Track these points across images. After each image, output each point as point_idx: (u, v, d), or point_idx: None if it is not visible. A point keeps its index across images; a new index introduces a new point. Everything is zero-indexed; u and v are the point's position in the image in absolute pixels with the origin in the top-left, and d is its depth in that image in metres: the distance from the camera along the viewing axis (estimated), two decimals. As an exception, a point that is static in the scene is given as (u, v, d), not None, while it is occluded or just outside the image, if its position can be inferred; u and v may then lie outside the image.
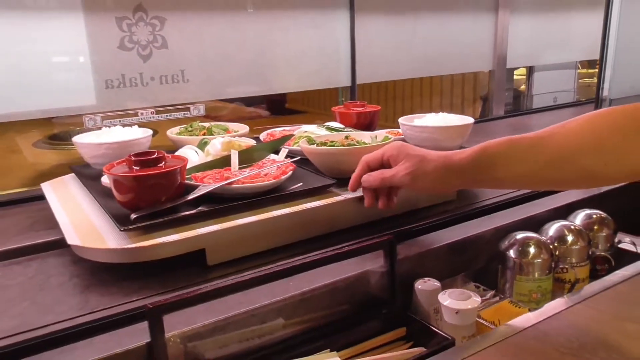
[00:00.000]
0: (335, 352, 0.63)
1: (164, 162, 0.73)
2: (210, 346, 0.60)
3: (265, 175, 0.81)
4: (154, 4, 1.15)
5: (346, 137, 0.94)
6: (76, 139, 0.96)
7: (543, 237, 0.80)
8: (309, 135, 1.02)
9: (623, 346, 0.56)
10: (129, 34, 1.14)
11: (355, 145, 0.90)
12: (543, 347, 0.56)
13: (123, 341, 0.57)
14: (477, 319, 0.69)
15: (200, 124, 1.11)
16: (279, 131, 1.15)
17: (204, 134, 1.05)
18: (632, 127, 0.57)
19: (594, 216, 0.88)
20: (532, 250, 0.77)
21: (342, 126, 1.14)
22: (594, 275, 0.84)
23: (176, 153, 0.87)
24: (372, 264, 0.72)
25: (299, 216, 0.77)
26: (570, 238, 0.81)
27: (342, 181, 0.85)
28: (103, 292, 0.67)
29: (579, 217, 0.88)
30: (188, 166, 0.81)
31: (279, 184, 0.80)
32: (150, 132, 1.00)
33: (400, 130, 1.09)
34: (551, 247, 0.78)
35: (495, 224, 0.87)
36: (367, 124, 1.19)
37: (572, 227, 0.83)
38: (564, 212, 0.93)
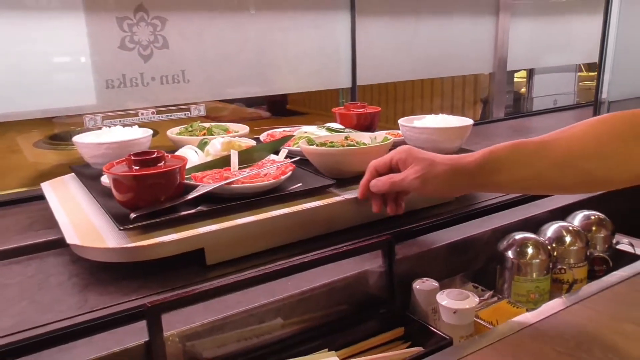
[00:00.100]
0: (333, 351, 0.63)
1: (163, 162, 0.73)
2: (208, 345, 0.60)
3: (265, 175, 0.81)
4: (155, 4, 1.16)
5: (346, 138, 0.94)
6: (76, 138, 0.96)
7: (541, 238, 0.80)
8: (308, 135, 1.03)
9: (620, 346, 0.56)
10: (130, 34, 1.14)
11: (354, 146, 0.90)
12: (540, 347, 0.56)
13: (122, 340, 0.57)
14: (475, 319, 0.69)
15: (200, 124, 1.11)
16: (279, 132, 1.15)
17: (204, 134, 1.05)
18: (631, 134, 0.58)
19: (592, 217, 0.88)
20: (530, 250, 0.77)
21: (342, 127, 1.15)
22: (592, 276, 0.84)
23: (176, 153, 0.88)
24: (370, 264, 0.72)
25: (298, 216, 0.77)
26: (568, 239, 0.81)
27: (341, 181, 0.85)
28: (102, 292, 0.67)
29: (577, 218, 0.89)
30: (188, 166, 0.81)
31: (278, 184, 0.80)
32: (150, 132, 1.01)
33: (400, 132, 1.10)
34: (549, 247, 0.79)
35: (494, 224, 0.87)
36: (367, 125, 1.19)
37: (570, 228, 0.83)
38: (562, 213, 0.93)
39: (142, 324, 0.56)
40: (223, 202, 0.75)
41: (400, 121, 1.08)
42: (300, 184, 0.82)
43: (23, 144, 1.72)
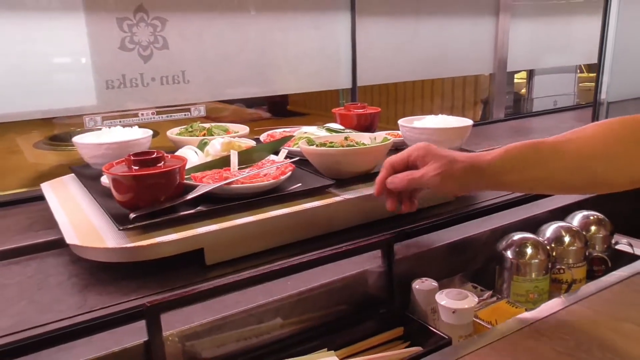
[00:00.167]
0: (333, 351, 0.63)
1: (163, 162, 0.74)
2: (208, 345, 0.61)
3: (265, 175, 0.81)
4: (155, 5, 1.16)
5: (345, 138, 0.94)
6: (76, 139, 0.96)
7: (540, 238, 0.80)
8: (308, 136, 1.03)
9: (619, 346, 0.56)
10: (130, 35, 1.14)
11: (354, 146, 0.90)
12: (539, 347, 0.56)
13: (121, 340, 0.57)
14: (474, 318, 0.69)
15: (200, 124, 1.12)
16: (279, 132, 1.15)
17: (204, 135, 1.05)
18: (632, 138, 0.59)
19: (591, 217, 0.88)
20: (529, 250, 0.77)
21: (342, 128, 1.15)
22: (591, 276, 0.84)
23: (176, 153, 0.88)
24: (370, 264, 0.72)
25: (297, 216, 0.77)
26: (567, 239, 0.81)
27: (341, 182, 0.85)
28: (101, 291, 0.67)
29: (576, 219, 0.89)
30: (188, 166, 0.81)
31: (277, 184, 0.80)
32: (150, 132, 1.01)
33: (399, 132, 1.10)
34: (548, 248, 0.79)
35: (493, 224, 0.87)
36: (367, 125, 1.20)
37: (569, 228, 0.83)
38: (561, 213, 0.93)
39: (142, 324, 0.56)
40: (222, 202, 0.75)
41: (400, 121, 1.08)
42: (300, 184, 0.82)
43: (23, 144, 1.73)
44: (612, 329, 0.59)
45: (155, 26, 1.17)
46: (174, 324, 0.59)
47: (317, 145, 0.91)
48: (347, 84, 1.54)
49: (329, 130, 1.10)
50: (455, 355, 0.56)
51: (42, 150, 1.70)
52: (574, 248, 0.81)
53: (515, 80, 2.46)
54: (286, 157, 0.91)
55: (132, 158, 0.72)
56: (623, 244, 0.87)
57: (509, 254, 0.78)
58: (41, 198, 0.92)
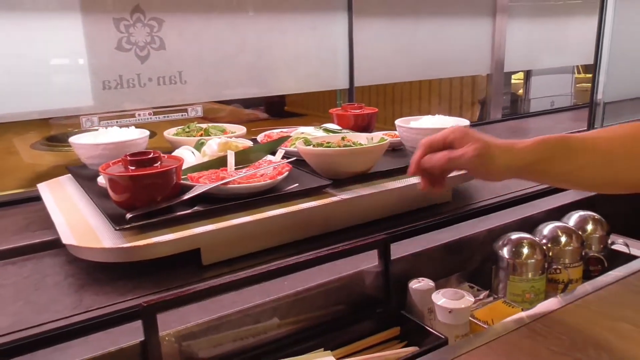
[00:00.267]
0: (329, 351, 0.64)
1: (159, 162, 0.74)
2: (204, 345, 0.61)
3: (262, 175, 0.81)
4: (152, 5, 1.16)
5: (342, 139, 0.94)
6: (73, 139, 0.96)
7: (537, 238, 0.80)
8: (305, 136, 1.03)
9: (614, 345, 0.56)
10: (127, 35, 1.14)
11: (351, 146, 0.90)
12: (535, 346, 0.56)
13: (118, 340, 0.57)
14: (471, 318, 0.69)
15: (197, 125, 1.11)
16: (276, 133, 1.15)
17: (201, 135, 1.05)
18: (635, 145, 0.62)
19: (588, 217, 0.88)
20: (525, 250, 0.77)
21: (339, 128, 1.15)
22: (587, 276, 0.84)
23: (173, 154, 0.88)
24: (366, 264, 0.72)
25: (294, 216, 0.77)
26: (563, 239, 0.82)
27: (338, 182, 0.85)
28: (98, 292, 0.67)
29: (573, 219, 0.89)
30: (184, 166, 0.81)
31: (274, 184, 0.80)
32: (147, 132, 1.01)
33: (397, 132, 1.10)
34: (545, 247, 0.79)
35: (490, 224, 0.88)
36: (364, 126, 1.20)
37: (566, 228, 0.83)
38: (558, 213, 0.93)
39: (138, 324, 0.56)
40: (219, 203, 0.75)
41: (397, 122, 1.08)
42: (297, 184, 0.82)
43: (20, 145, 1.72)
44: (608, 329, 0.59)
45: (152, 27, 1.17)
46: (170, 324, 0.59)
47: (314, 146, 0.91)
48: (345, 85, 1.54)
49: (326, 130, 1.10)
50: (451, 354, 0.56)
51: (39, 150, 1.70)
52: (570, 248, 0.82)
53: (513, 81, 2.47)
54: (283, 158, 0.91)
55: (128, 158, 0.72)
56: (619, 244, 0.88)
57: (505, 253, 0.78)
58: (38, 198, 0.91)
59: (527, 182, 1.07)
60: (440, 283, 0.79)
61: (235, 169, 0.84)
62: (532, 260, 0.77)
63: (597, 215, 0.89)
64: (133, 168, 0.71)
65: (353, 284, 0.71)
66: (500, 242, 0.80)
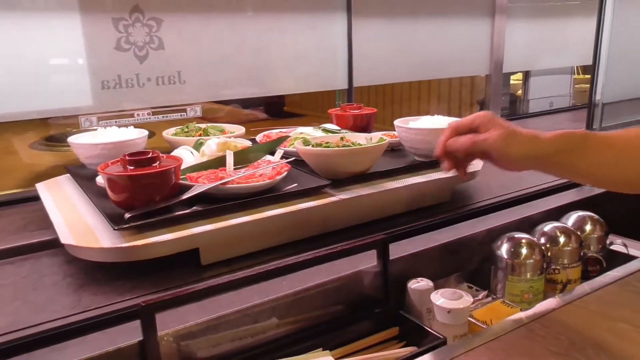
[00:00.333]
0: (328, 351, 0.63)
1: (158, 162, 0.73)
2: (203, 345, 0.60)
3: (260, 175, 0.81)
4: (151, 5, 1.16)
5: (341, 139, 0.94)
6: (72, 139, 0.96)
7: (535, 238, 0.80)
8: (304, 136, 1.03)
9: (612, 345, 0.56)
10: (126, 35, 1.14)
11: (350, 146, 0.90)
12: (533, 346, 0.56)
13: (116, 340, 0.57)
14: (469, 318, 0.69)
15: (196, 125, 1.11)
16: (275, 133, 1.15)
17: (200, 135, 1.05)
18: None
19: (586, 218, 0.88)
20: (524, 251, 0.77)
21: (338, 128, 1.15)
22: (586, 277, 0.84)
23: (172, 153, 0.88)
24: (365, 264, 0.72)
25: (293, 216, 0.77)
26: (562, 239, 0.82)
27: (336, 182, 0.85)
28: (96, 291, 0.67)
29: (572, 219, 0.89)
30: (183, 166, 0.81)
31: (273, 184, 0.80)
32: (146, 132, 1.01)
33: (395, 133, 1.10)
34: (543, 248, 0.79)
35: (488, 225, 0.88)
36: (363, 126, 1.20)
37: (565, 228, 0.83)
38: (557, 213, 0.94)
39: (136, 324, 0.56)
40: (218, 202, 0.75)
41: (396, 122, 1.08)
42: (296, 184, 0.82)
43: (19, 145, 1.72)
44: (606, 329, 0.59)
45: (151, 26, 1.17)
46: (169, 323, 0.59)
47: (313, 146, 0.91)
48: (344, 85, 1.54)
49: (325, 130, 1.10)
50: (450, 355, 0.56)
51: (37, 150, 1.70)
52: (569, 248, 0.82)
53: (512, 82, 2.47)
54: (282, 158, 0.91)
55: (127, 158, 0.72)
56: (618, 244, 0.88)
57: (504, 254, 0.78)
58: (36, 198, 0.91)
59: (526, 182, 1.08)
60: (439, 283, 0.80)
61: (234, 169, 0.84)
62: (531, 261, 0.77)
63: (595, 216, 0.89)
64: (132, 168, 0.71)
65: (352, 284, 0.71)
66: (499, 243, 0.80)
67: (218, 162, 0.86)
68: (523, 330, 0.60)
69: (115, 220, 0.69)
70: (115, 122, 1.16)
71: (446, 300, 0.66)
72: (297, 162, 0.90)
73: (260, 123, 2.26)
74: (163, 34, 1.18)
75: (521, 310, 0.70)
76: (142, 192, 0.71)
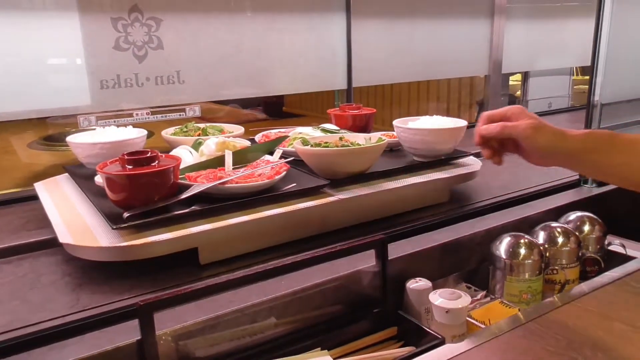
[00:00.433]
0: (326, 350, 0.63)
1: (157, 162, 0.73)
2: (201, 344, 0.60)
3: (259, 175, 0.81)
4: (150, 5, 1.16)
5: (340, 139, 0.94)
6: (70, 138, 0.96)
7: (534, 239, 0.80)
8: (303, 136, 1.03)
9: (609, 345, 0.56)
10: (125, 35, 1.14)
11: (349, 146, 0.90)
12: (531, 346, 0.56)
13: (114, 339, 0.57)
14: (468, 318, 0.69)
15: (195, 124, 1.11)
16: (274, 133, 1.15)
17: (198, 135, 1.05)
18: None
19: (585, 218, 0.88)
20: (522, 251, 0.77)
21: (337, 128, 1.15)
22: (584, 277, 0.84)
23: (170, 153, 0.87)
24: (364, 264, 0.72)
25: (291, 216, 0.77)
26: (560, 240, 0.82)
27: (335, 182, 0.85)
28: (95, 290, 0.67)
29: (570, 219, 0.89)
30: (182, 166, 0.81)
31: (272, 184, 0.80)
32: (145, 132, 1.00)
33: (394, 133, 1.10)
34: (542, 248, 0.79)
35: (487, 225, 0.88)
36: (362, 126, 1.20)
37: (563, 229, 0.83)
38: (555, 214, 0.94)
39: (135, 323, 0.56)
40: (217, 202, 0.75)
41: (395, 122, 1.08)
42: (295, 184, 0.82)
43: (17, 144, 1.72)
44: (604, 329, 0.59)
45: (149, 26, 1.17)
46: (167, 323, 0.59)
47: (312, 146, 0.91)
48: (343, 85, 1.54)
49: (324, 130, 1.10)
50: (448, 354, 0.56)
51: (36, 150, 1.70)
52: (567, 249, 0.82)
53: (511, 83, 2.48)
54: (281, 157, 0.91)
55: (125, 157, 0.72)
56: (616, 244, 0.88)
57: (502, 254, 0.78)
58: (35, 198, 0.91)
59: (524, 183, 1.08)
60: (438, 283, 0.80)
61: (233, 168, 0.84)
62: (529, 261, 0.77)
63: (594, 216, 0.89)
64: (130, 167, 0.71)
65: (350, 284, 0.71)
66: (498, 243, 0.80)
67: (217, 162, 0.86)
68: (521, 330, 0.60)
69: (113, 219, 0.69)
70: (114, 121, 1.16)
71: (444, 300, 0.66)
72: (296, 162, 0.90)
73: (260, 123, 2.27)
74: (162, 34, 1.18)
75: (519, 310, 0.70)
76: (141, 192, 0.71)
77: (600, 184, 1.08)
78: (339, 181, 0.86)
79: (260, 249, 0.77)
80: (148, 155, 0.73)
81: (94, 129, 1.04)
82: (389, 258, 0.72)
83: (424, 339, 0.65)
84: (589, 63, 1.14)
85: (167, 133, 1.07)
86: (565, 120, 1.98)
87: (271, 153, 0.93)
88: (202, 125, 1.11)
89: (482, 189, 1.05)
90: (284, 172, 0.83)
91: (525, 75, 2.33)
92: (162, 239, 0.67)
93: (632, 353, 0.55)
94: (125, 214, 0.69)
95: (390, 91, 2.70)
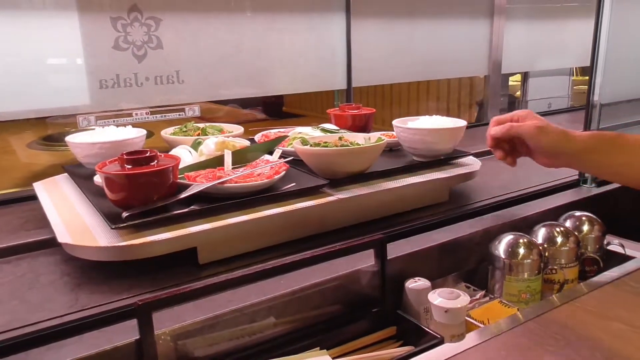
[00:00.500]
0: (325, 350, 0.63)
1: (156, 161, 0.73)
2: (199, 344, 0.60)
3: (258, 175, 0.81)
4: (149, 5, 1.16)
5: (340, 139, 0.94)
6: (69, 138, 0.96)
7: (533, 238, 0.80)
8: (303, 136, 1.03)
9: (608, 345, 0.56)
10: (124, 34, 1.14)
11: (348, 146, 0.90)
12: (530, 346, 0.56)
13: (113, 338, 0.57)
14: (467, 318, 0.69)
15: (194, 124, 1.11)
16: (273, 132, 1.15)
17: (198, 135, 1.05)
18: None
19: (584, 218, 0.88)
20: (521, 251, 0.77)
21: (336, 128, 1.15)
22: (583, 277, 0.84)
23: (170, 153, 0.87)
24: (363, 263, 0.72)
25: (291, 216, 0.77)
26: (559, 239, 0.82)
27: (335, 181, 0.85)
28: (93, 290, 0.67)
29: (569, 219, 0.89)
30: (181, 166, 0.81)
31: (271, 183, 0.80)
32: (144, 132, 1.00)
33: (394, 133, 1.10)
34: (541, 248, 0.79)
35: (486, 225, 0.88)
36: (362, 126, 1.20)
37: (562, 228, 0.83)
38: (554, 214, 0.94)
39: (134, 323, 0.56)
40: (216, 202, 0.75)
41: (395, 122, 1.08)
42: (294, 183, 0.82)
43: (16, 144, 1.72)
44: (603, 329, 0.59)
45: (149, 26, 1.17)
46: (165, 322, 0.59)
47: (311, 145, 0.91)
48: (342, 85, 1.54)
49: (324, 130, 1.10)
50: (447, 354, 0.56)
51: (35, 150, 1.70)
52: (566, 248, 0.82)
53: (510, 83, 2.48)
54: (280, 157, 0.91)
55: (125, 157, 0.72)
56: (615, 244, 0.88)
57: (501, 254, 0.78)
58: (33, 198, 0.91)
59: (524, 182, 1.08)
60: (437, 283, 0.80)
61: (232, 168, 0.84)
62: (528, 261, 0.77)
63: (593, 216, 0.89)
64: (129, 167, 0.71)
65: (349, 284, 0.71)
66: (497, 242, 0.80)
67: (216, 162, 0.86)
68: (520, 329, 0.60)
69: (112, 219, 0.69)
70: (114, 121, 1.16)
71: (443, 300, 0.66)
72: (296, 162, 0.90)
73: (259, 123, 2.27)
74: (161, 34, 1.18)
75: (518, 310, 0.70)
76: (140, 191, 0.71)
77: (600, 184, 1.08)
78: (338, 181, 0.86)
79: (260, 249, 0.77)
80: (147, 154, 0.73)
81: (93, 129, 1.04)
82: (388, 258, 0.72)
83: (423, 339, 0.65)
84: (588, 63, 1.14)
85: (167, 133, 1.07)
86: (565, 121, 1.98)
87: (271, 153, 0.93)
88: (201, 125, 1.11)
89: (482, 189, 1.05)
90: (283, 172, 0.83)
91: (525, 76, 2.33)
92: (161, 238, 0.67)
93: (630, 353, 0.55)
94: (124, 214, 0.69)
95: (390, 91, 2.70)
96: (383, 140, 0.92)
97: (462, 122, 1.05)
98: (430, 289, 0.71)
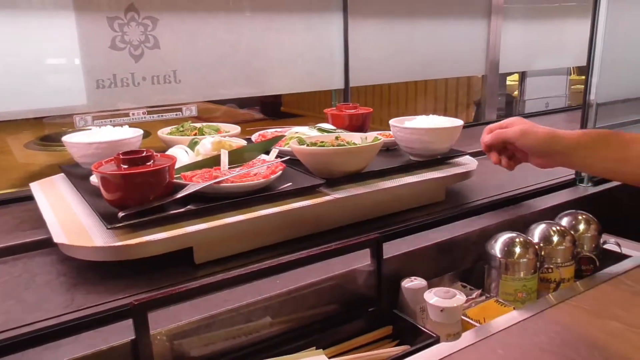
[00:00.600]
0: (321, 349, 0.64)
1: (152, 161, 0.73)
2: (195, 344, 0.60)
3: (255, 174, 0.81)
4: (146, 4, 1.15)
5: (336, 138, 0.94)
6: (66, 138, 0.96)
7: (529, 238, 0.81)
8: (299, 136, 1.03)
9: (605, 344, 0.56)
10: (121, 34, 1.14)
11: (345, 146, 0.90)
12: (525, 344, 0.57)
13: (109, 338, 0.57)
14: (463, 317, 0.69)
15: (191, 124, 1.11)
16: (270, 132, 1.15)
17: (195, 134, 1.05)
18: None
19: (580, 217, 0.88)
20: (517, 250, 0.77)
21: (333, 128, 1.15)
22: (579, 276, 0.85)
23: (166, 152, 0.87)
24: (359, 263, 0.72)
25: (287, 215, 0.77)
26: (555, 238, 0.82)
27: (331, 181, 0.85)
28: (89, 290, 0.67)
29: (565, 218, 0.89)
30: (178, 165, 0.81)
31: (267, 183, 0.80)
32: (141, 131, 1.00)
33: (391, 132, 1.10)
34: (537, 247, 0.79)
35: (482, 224, 0.88)
36: (359, 126, 1.20)
37: (558, 228, 0.84)
38: (550, 213, 0.94)
39: (129, 323, 0.56)
40: (212, 201, 0.75)
41: (392, 122, 1.08)
42: (290, 183, 0.82)
43: (13, 144, 1.72)
44: (599, 328, 0.59)
45: (146, 25, 1.17)
46: (161, 322, 0.59)
47: (307, 145, 0.91)
48: (340, 85, 1.54)
49: (321, 130, 1.10)
50: (443, 353, 0.56)
51: (32, 150, 1.69)
52: (562, 248, 0.82)
53: (508, 83, 2.48)
54: (277, 157, 0.91)
55: (121, 157, 0.72)
56: (611, 243, 0.88)
57: (497, 253, 0.78)
58: (30, 198, 0.91)
59: (520, 182, 1.08)
60: (433, 282, 0.80)
61: (229, 168, 0.84)
62: (525, 260, 0.77)
63: (589, 215, 0.89)
64: (125, 166, 0.71)
65: (345, 283, 0.71)
66: (493, 242, 0.80)
67: (213, 161, 0.86)
68: (516, 328, 0.60)
69: (108, 219, 0.69)
70: (110, 121, 1.15)
71: (439, 299, 0.66)
72: (292, 162, 0.90)
73: (257, 123, 2.26)
74: (158, 33, 1.18)
75: (514, 309, 0.71)
76: (136, 191, 0.71)
77: (596, 183, 1.09)
78: (334, 180, 0.86)
79: (256, 249, 0.77)
80: (143, 154, 0.72)
81: (90, 129, 1.04)
82: (384, 257, 0.72)
83: (419, 338, 0.65)
84: (585, 63, 1.14)
85: (164, 133, 1.07)
86: (562, 120, 1.98)
87: (267, 152, 0.93)
88: (198, 125, 1.11)
89: (478, 188, 1.05)
90: (280, 172, 0.83)
91: (523, 75, 2.33)
92: (157, 238, 0.67)
93: (627, 351, 0.55)
94: (120, 214, 0.69)
95: (388, 91, 2.70)
96: (380, 139, 0.92)
97: (458, 122, 1.05)
98: (426, 288, 0.72)
